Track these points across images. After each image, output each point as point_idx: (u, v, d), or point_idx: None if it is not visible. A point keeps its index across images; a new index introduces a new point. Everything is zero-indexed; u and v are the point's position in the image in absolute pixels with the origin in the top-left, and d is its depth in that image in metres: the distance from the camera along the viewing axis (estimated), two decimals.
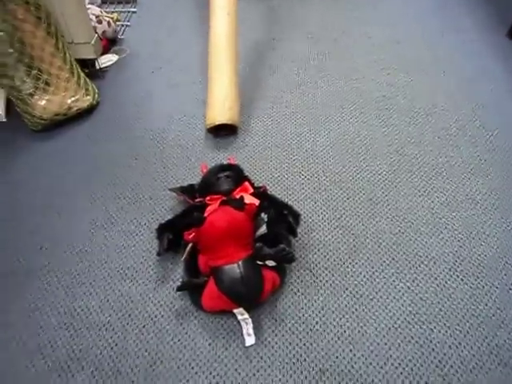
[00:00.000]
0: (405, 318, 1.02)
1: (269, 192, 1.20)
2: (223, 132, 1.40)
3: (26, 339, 1.02)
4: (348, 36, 1.81)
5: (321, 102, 1.53)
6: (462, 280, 1.08)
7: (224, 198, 1.06)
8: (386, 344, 0.98)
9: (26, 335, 1.03)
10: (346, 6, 1.97)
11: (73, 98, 1.45)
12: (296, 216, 1.11)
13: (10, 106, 1.51)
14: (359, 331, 1.00)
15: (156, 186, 1.29)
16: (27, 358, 0.99)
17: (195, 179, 1.24)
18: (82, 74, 1.49)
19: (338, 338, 0.99)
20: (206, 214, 1.04)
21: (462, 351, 0.97)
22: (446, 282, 1.08)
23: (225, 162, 1.25)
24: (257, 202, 1.07)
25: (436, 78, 1.61)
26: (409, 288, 1.07)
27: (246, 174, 1.22)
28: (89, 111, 1.51)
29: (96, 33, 1.59)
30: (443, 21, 1.86)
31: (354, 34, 1.82)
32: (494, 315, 1.02)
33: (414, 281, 1.08)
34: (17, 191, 1.31)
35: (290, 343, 0.99)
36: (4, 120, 1.48)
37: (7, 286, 1.11)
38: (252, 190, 1.13)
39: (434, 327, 1.00)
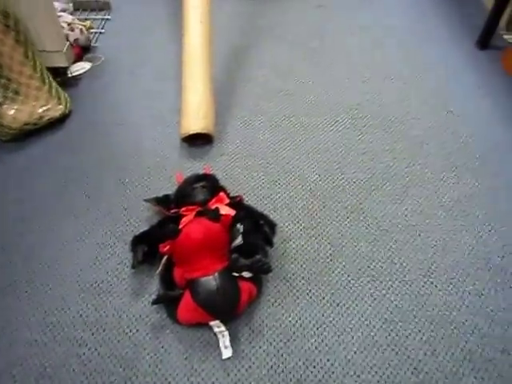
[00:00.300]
0: (381, 326, 1.03)
1: (245, 202, 1.20)
2: (199, 141, 1.39)
3: None
4: (325, 44, 1.82)
5: (297, 111, 1.54)
6: (435, 286, 1.09)
7: (200, 209, 1.05)
8: (362, 352, 0.99)
9: None
10: (323, 14, 1.99)
11: (44, 108, 1.42)
12: (272, 226, 1.11)
13: None
14: (336, 340, 1.01)
15: (130, 197, 1.27)
16: None
17: (170, 189, 1.23)
18: (54, 83, 1.46)
19: (316, 348, 1.00)
20: (181, 226, 1.02)
21: (437, 357, 0.98)
22: (420, 289, 1.09)
23: (200, 172, 1.24)
24: (232, 212, 1.06)
25: (409, 85, 1.64)
26: (384, 296, 1.08)
27: (222, 183, 1.21)
28: (61, 120, 1.47)
29: (68, 40, 1.56)
30: (421, 30, 1.90)
31: (331, 42, 1.84)
32: (467, 320, 1.04)
33: (389, 288, 1.09)
34: None
35: (268, 354, 0.98)
36: None
37: None
38: (228, 201, 1.12)
39: (409, 334, 1.02)
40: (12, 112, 1.36)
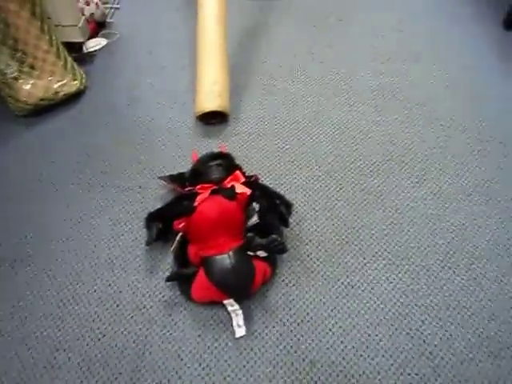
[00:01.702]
0: (396, 310, 1.01)
1: (260, 181, 1.18)
2: (214, 120, 1.37)
3: (11, 330, 1.00)
4: (346, 23, 1.77)
5: (314, 91, 1.50)
6: (453, 271, 1.07)
7: (215, 187, 1.04)
8: (377, 335, 0.98)
9: (10, 326, 1.00)
10: None
11: (59, 83, 1.40)
12: (288, 206, 1.10)
13: None
14: (350, 322, 1.00)
15: (145, 175, 1.26)
16: (12, 350, 0.97)
17: (185, 167, 1.22)
18: (69, 58, 1.44)
19: (330, 330, 0.99)
20: (196, 203, 1.01)
21: (453, 343, 0.97)
22: (437, 274, 1.07)
23: (216, 150, 1.22)
24: (248, 191, 1.05)
25: (432, 67, 1.59)
26: (400, 279, 1.06)
27: (238, 162, 1.19)
28: (76, 96, 1.46)
29: (83, 15, 1.54)
30: (445, 10, 1.83)
31: (352, 20, 1.78)
32: (484, 307, 1.02)
33: (405, 272, 1.07)
34: (2, 178, 1.27)
35: (281, 334, 0.98)
36: None
37: None
38: (243, 179, 1.10)
39: (426, 319, 1.00)
40: (28, 87, 1.36)
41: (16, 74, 1.35)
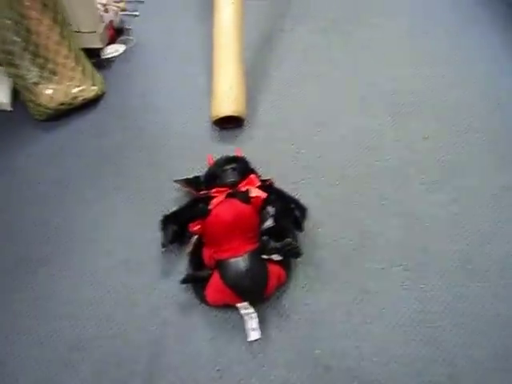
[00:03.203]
0: (411, 316, 1.00)
1: (275, 185, 1.18)
2: (229, 124, 1.38)
3: (28, 329, 1.01)
4: (361, 27, 1.76)
5: (330, 96, 1.50)
6: (471, 278, 1.06)
7: (230, 191, 1.05)
8: (392, 342, 0.97)
9: (27, 325, 1.02)
10: None
11: (78, 88, 1.43)
12: (303, 210, 1.09)
13: (15, 95, 1.49)
14: (366, 328, 0.99)
15: (161, 178, 1.27)
16: (28, 348, 0.98)
17: (200, 171, 1.22)
18: (88, 64, 1.47)
19: (345, 335, 0.98)
20: (211, 206, 1.02)
21: (469, 351, 0.95)
22: (455, 280, 1.06)
23: (231, 154, 1.23)
24: (264, 194, 1.05)
25: (449, 72, 1.57)
26: (416, 285, 1.05)
27: (253, 166, 1.20)
28: (94, 101, 1.49)
29: (102, 22, 1.57)
30: (460, 14, 1.81)
31: (367, 25, 1.77)
32: (499, 315, 1.00)
33: (422, 278, 1.06)
34: (22, 180, 1.30)
35: (295, 339, 0.98)
36: (10, 109, 1.47)
37: (12, 275, 1.10)
38: (258, 183, 1.11)
39: (440, 325, 0.99)
40: (48, 92, 1.38)
41: (36, 79, 1.37)
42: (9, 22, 1.29)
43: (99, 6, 1.59)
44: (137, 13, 1.80)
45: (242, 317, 0.99)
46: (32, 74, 1.37)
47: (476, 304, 1.02)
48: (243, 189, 1.06)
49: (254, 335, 0.96)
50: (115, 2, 1.71)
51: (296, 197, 1.12)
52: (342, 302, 1.03)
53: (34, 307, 1.05)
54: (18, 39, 1.32)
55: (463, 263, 1.08)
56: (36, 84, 1.38)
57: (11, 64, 1.34)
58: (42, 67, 1.37)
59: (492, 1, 1.85)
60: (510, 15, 1.77)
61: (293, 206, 1.09)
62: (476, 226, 1.15)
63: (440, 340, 0.97)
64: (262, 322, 0.99)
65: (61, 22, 1.35)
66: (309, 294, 1.04)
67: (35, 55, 1.35)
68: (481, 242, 1.12)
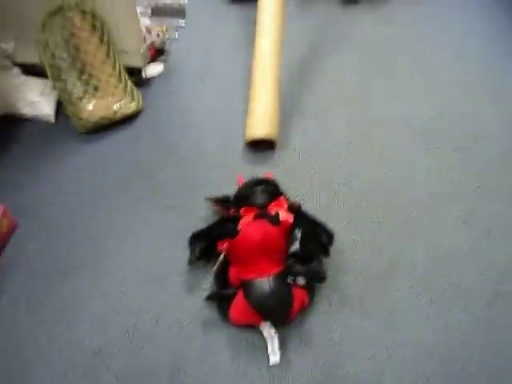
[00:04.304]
0: (435, 349, 0.99)
1: (303, 209, 1.19)
2: (262, 146, 1.41)
3: (56, 335, 1.04)
4: (398, 53, 1.78)
5: (362, 122, 1.52)
6: (499, 315, 1.03)
7: (258, 212, 1.07)
8: (415, 372, 0.95)
9: (55, 332, 1.05)
10: (395, 28, 1.93)
11: (118, 104, 1.50)
12: (329, 235, 1.10)
13: (58, 108, 1.57)
14: (388, 357, 0.97)
15: (191, 195, 1.31)
16: (55, 354, 1.01)
17: (230, 190, 1.25)
18: (129, 82, 1.54)
19: (368, 359, 0.97)
20: (240, 226, 1.04)
21: None
22: (482, 316, 1.03)
23: (262, 176, 1.25)
24: (291, 218, 1.06)
25: (487, 101, 1.56)
26: (441, 319, 1.03)
27: (282, 188, 1.21)
28: (132, 117, 1.55)
29: (145, 42, 1.64)
30: (499, 43, 1.81)
31: (404, 51, 1.79)
32: None
33: (448, 311, 1.04)
34: (60, 190, 1.35)
35: (316, 365, 0.97)
36: (53, 122, 1.54)
37: (43, 282, 1.14)
38: (286, 206, 1.12)
39: (465, 361, 0.96)
40: (90, 106, 1.46)
41: (81, 94, 1.46)
42: (60, 39, 1.38)
43: (142, 28, 1.67)
44: (177, 35, 1.88)
45: (264, 338, 0.99)
46: (77, 89, 1.45)
47: (503, 342, 0.99)
48: (271, 210, 1.08)
49: (273, 359, 0.96)
50: (157, 25, 1.79)
51: (323, 221, 1.13)
52: (364, 330, 1.02)
53: (63, 315, 1.08)
54: (67, 56, 1.41)
55: (491, 299, 1.06)
56: (80, 99, 1.46)
57: (59, 78, 1.42)
58: (86, 83, 1.45)
59: None
60: None
61: (319, 230, 1.09)
62: (507, 259, 1.13)
63: (465, 376, 0.95)
64: (283, 346, 0.99)
65: (107, 42, 1.43)
66: (331, 318, 1.04)
67: (81, 72, 1.43)
68: (508, 279, 1.09)
